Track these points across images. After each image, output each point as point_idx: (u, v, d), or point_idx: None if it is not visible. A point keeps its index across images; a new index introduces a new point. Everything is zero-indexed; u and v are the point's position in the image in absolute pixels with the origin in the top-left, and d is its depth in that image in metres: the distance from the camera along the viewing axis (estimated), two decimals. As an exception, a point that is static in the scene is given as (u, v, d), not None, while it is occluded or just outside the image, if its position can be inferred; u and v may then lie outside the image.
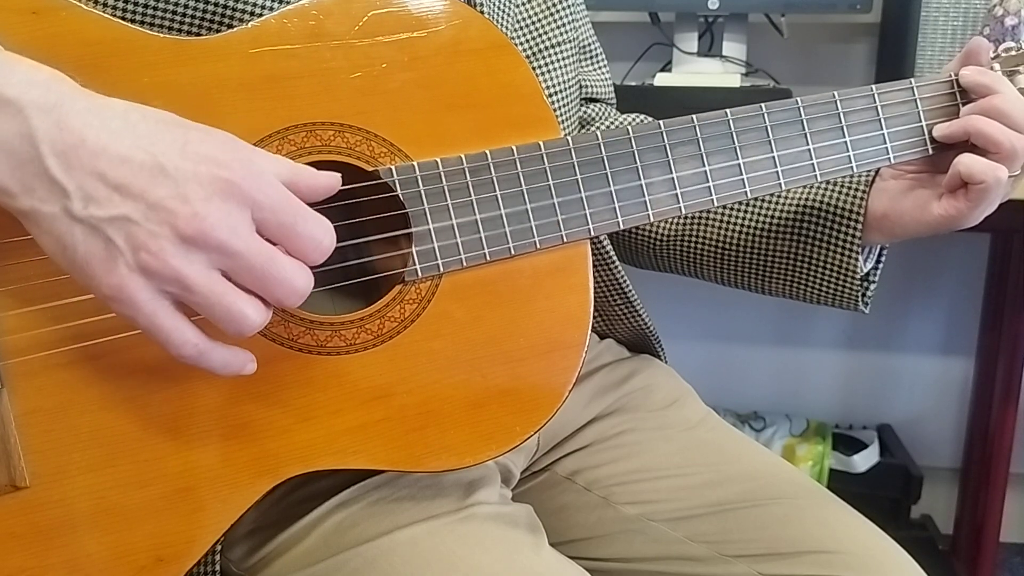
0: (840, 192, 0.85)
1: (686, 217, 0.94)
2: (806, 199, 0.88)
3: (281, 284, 0.55)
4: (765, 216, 0.91)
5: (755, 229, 0.91)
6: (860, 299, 0.89)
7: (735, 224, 0.92)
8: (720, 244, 0.93)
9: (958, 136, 0.78)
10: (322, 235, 0.56)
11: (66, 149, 0.51)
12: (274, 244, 0.55)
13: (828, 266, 0.88)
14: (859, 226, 0.84)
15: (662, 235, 0.97)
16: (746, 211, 0.91)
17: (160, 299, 0.53)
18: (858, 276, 0.87)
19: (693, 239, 0.95)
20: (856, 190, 0.85)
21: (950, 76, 0.80)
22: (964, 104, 0.80)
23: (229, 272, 0.54)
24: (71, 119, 0.52)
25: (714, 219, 0.93)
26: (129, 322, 0.54)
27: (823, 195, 0.87)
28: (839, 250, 0.86)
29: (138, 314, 0.53)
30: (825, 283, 0.89)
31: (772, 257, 0.91)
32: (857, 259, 0.86)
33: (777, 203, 0.90)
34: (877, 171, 0.85)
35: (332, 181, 0.60)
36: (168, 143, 0.53)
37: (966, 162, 0.76)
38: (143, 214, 0.52)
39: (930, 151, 0.79)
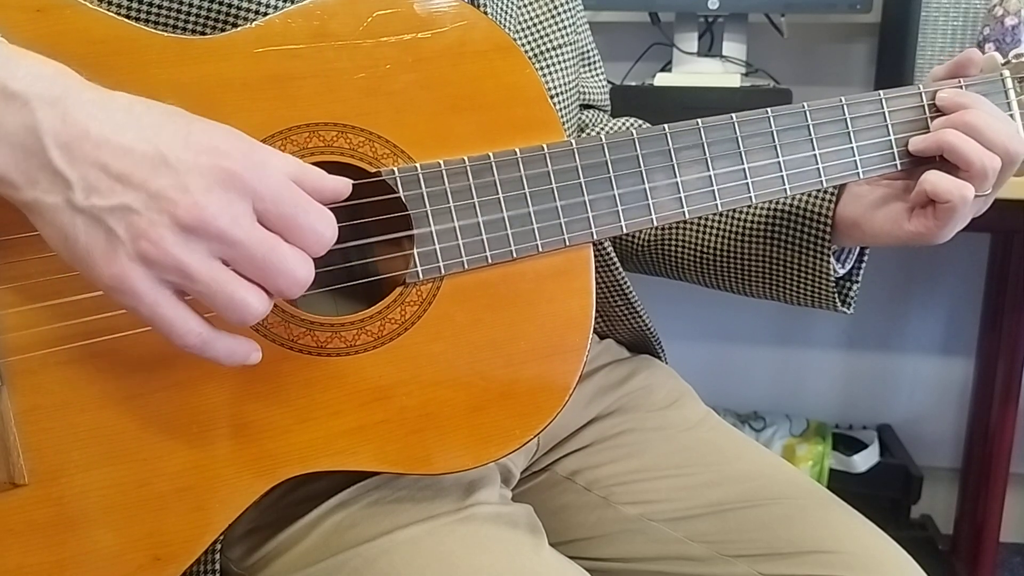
0: (810, 195, 0.85)
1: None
2: (778, 202, 0.87)
3: (283, 274, 0.55)
4: (740, 220, 0.90)
5: (731, 233, 0.91)
6: (840, 300, 0.88)
7: (711, 228, 0.92)
8: (698, 248, 0.93)
9: (932, 150, 0.77)
10: (324, 227, 0.56)
11: (69, 141, 0.51)
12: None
13: (802, 269, 0.87)
14: (828, 229, 0.84)
15: (642, 241, 0.98)
16: (721, 215, 0.91)
17: (161, 288, 0.53)
18: (832, 279, 0.86)
19: (672, 244, 0.95)
20: (826, 193, 0.84)
21: (959, 83, 0.79)
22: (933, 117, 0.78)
23: (230, 262, 0.54)
24: (75, 111, 0.52)
25: (691, 224, 0.93)
26: (131, 312, 0.54)
27: (794, 198, 0.86)
28: (811, 253, 0.86)
29: (140, 304, 0.53)
30: (801, 285, 0.88)
31: (749, 260, 0.91)
32: (829, 262, 0.85)
33: (751, 207, 0.89)
34: None
35: (340, 186, 0.59)
36: (171, 134, 0.53)
37: (932, 180, 0.75)
38: (144, 203, 0.52)
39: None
